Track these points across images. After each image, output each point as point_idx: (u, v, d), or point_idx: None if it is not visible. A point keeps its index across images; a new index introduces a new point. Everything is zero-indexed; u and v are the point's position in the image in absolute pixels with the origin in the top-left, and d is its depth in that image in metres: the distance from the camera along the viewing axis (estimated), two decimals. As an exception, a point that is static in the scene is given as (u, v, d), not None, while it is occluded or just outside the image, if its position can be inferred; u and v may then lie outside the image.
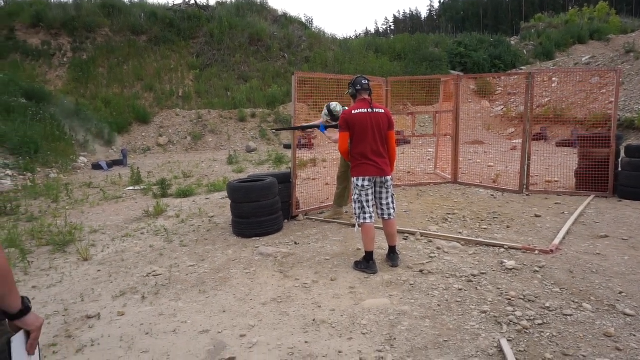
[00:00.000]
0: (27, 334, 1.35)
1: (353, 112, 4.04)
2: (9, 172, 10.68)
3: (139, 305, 3.59)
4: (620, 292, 3.40)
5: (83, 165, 13.89)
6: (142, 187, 9.29)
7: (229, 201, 5.58)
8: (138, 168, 10.69)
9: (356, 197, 4.09)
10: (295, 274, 4.04)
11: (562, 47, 31.06)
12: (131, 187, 9.49)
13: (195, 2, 26.73)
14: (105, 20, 23.00)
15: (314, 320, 3.15)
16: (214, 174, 11.13)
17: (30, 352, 1.36)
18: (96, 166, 13.46)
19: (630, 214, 5.70)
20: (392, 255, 4.16)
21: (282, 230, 5.49)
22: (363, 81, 4.16)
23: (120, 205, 7.82)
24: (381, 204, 4.13)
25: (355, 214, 4.11)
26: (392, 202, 4.15)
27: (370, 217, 4.04)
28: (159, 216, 6.63)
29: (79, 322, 3.33)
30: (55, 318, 3.42)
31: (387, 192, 4.11)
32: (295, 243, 4.96)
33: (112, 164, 13.89)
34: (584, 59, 23.35)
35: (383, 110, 4.11)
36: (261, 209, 5.20)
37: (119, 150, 15.68)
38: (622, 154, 6.91)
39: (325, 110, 5.75)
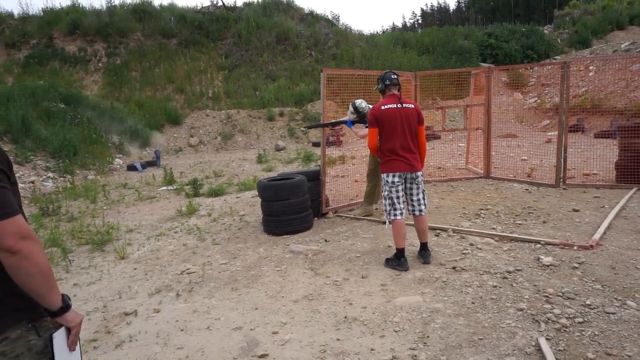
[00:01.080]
0: (68, 330, 1.40)
1: (382, 107, 4.00)
2: (50, 174, 11.14)
3: (173, 302, 3.67)
4: (667, 289, 3.24)
5: (119, 166, 14.35)
6: (174, 187, 9.52)
7: (259, 199, 5.64)
8: (171, 168, 10.95)
9: (386, 193, 4.05)
10: (326, 272, 4.04)
11: (600, 34, 29.72)
12: (164, 187, 9.74)
13: (223, 3, 27.12)
14: (137, 25, 23.66)
15: (345, 317, 3.14)
16: (244, 173, 11.27)
17: (71, 347, 1.40)
18: (131, 167, 13.88)
19: (676, 207, 5.42)
20: (424, 252, 4.10)
21: (312, 228, 5.50)
22: (392, 76, 4.12)
23: (154, 205, 8.03)
24: (412, 200, 4.08)
25: (386, 210, 4.08)
26: (423, 198, 4.09)
27: (401, 214, 4.00)
28: (191, 215, 6.77)
29: (117, 319, 3.44)
30: (95, 314, 3.55)
31: (418, 188, 4.06)
32: (326, 240, 4.96)
33: (146, 164, 14.28)
34: (623, 46, 22.29)
35: (413, 105, 4.07)
36: (291, 206, 5.23)
37: (153, 151, 16.11)
38: (667, 144, 6.57)
39: (350, 108, 5.71)
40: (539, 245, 4.31)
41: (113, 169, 13.93)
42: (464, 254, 4.20)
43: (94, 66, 21.83)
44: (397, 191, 4.01)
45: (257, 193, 5.85)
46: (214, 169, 12.34)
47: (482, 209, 5.77)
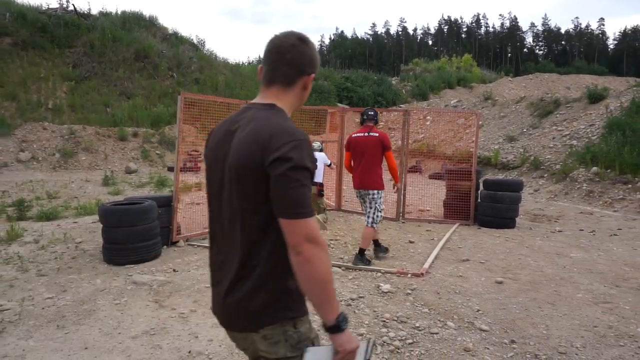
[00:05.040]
0: (337, 352, 1.24)
1: (353, 135, 5.06)
2: None
3: (-24, 347, 3.04)
4: (478, 310, 3.78)
5: None
6: (-7, 208, 8.06)
7: (100, 226, 5.09)
8: (-10, 186, 9.28)
9: None
10: (172, 304, 3.79)
11: (435, 90, 34.82)
12: (-21, 208, 8.18)
13: (75, 8, 24.68)
14: (-42, 15, 20.04)
15: (189, 352, 2.97)
16: (86, 196, 10.12)
17: None
18: None
19: (487, 240, 6.45)
20: (358, 255, 4.99)
21: (160, 257, 5.15)
22: (369, 112, 5.09)
23: (-38, 228, 6.67)
24: (365, 211, 5.04)
25: None
26: (373, 213, 4.89)
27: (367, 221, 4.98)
28: (12, 242, 5.79)
29: None
30: None
31: (369, 203, 4.91)
32: (174, 270, 4.67)
33: (-43, 180, 11.88)
34: (452, 102, 26.35)
35: (377, 134, 4.92)
36: (137, 234, 4.84)
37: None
38: (481, 187, 7.82)
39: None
40: (379, 274, 4.69)
41: None
42: (313, 282, 4.34)
43: None
44: (361, 203, 5.13)
45: (98, 218, 5.28)
46: (47, 189, 10.82)
47: (332, 240, 6.08)
